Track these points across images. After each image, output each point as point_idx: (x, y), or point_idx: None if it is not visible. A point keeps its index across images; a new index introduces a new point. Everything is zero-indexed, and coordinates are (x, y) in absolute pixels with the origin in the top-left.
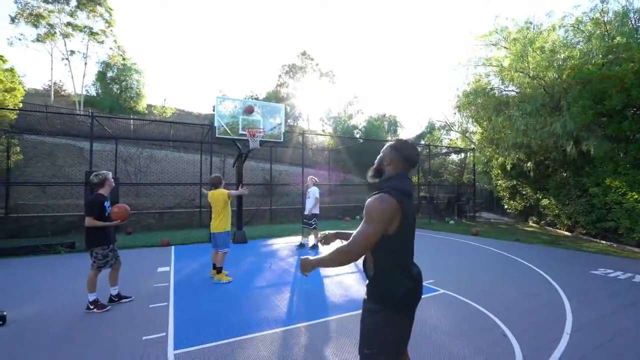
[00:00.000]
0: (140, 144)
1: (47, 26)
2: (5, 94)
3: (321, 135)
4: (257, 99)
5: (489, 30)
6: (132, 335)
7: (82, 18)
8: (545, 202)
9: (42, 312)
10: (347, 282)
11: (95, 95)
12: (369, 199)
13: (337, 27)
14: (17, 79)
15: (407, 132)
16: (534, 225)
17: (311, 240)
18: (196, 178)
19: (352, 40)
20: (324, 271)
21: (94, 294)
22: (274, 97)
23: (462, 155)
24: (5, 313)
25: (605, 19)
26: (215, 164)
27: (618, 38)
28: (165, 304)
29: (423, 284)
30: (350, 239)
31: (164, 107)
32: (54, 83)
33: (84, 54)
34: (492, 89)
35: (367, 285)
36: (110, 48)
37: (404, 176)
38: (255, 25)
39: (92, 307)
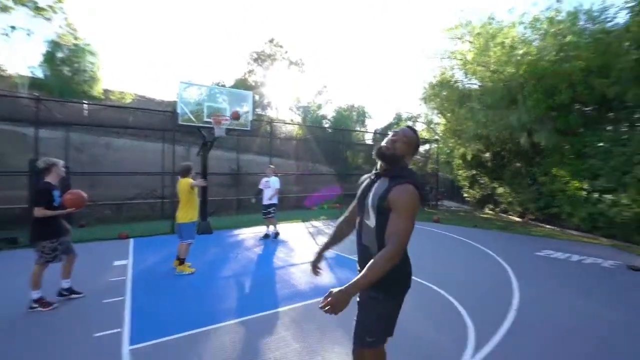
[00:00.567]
0: (96, 131)
1: None
2: None
3: (290, 124)
4: (224, 86)
5: (455, 24)
6: (82, 332)
7: None
8: (500, 190)
9: None
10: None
11: (43, 77)
12: (398, 191)
13: (306, 16)
14: None
15: (375, 123)
16: (490, 212)
17: (271, 229)
18: (158, 167)
19: (322, 30)
20: (291, 259)
21: (39, 291)
22: (242, 85)
23: (427, 146)
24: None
25: (559, 18)
26: (179, 152)
27: (569, 37)
28: (122, 298)
29: None
30: (392, 240)
31: (122, 92)
32: None
33: (27, 30)
34: (456, 81)
35: None
36: (60, 26)
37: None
38: (222, 10)
39: (36, 305)
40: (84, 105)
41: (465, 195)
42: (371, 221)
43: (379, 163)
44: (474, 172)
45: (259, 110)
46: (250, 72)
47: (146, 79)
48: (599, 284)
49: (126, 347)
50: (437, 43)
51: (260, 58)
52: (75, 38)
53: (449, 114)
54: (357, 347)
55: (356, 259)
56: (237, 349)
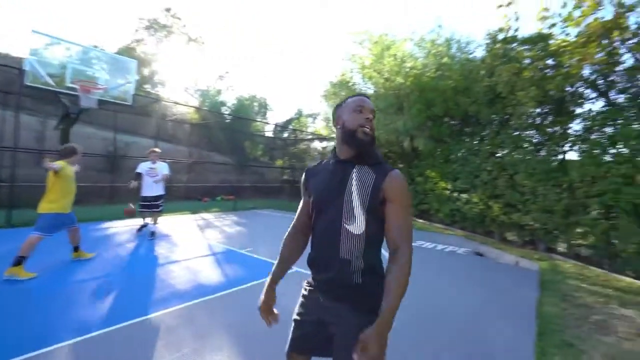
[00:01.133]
0: None
1: None
2: None
3: (183, 105)
4: (103, 50)
5: (358, 30)
6: None
7: None
8: None
9: None
10: (195, 267)
11: None
12: (395, 180)
13: None
14: None
15: (276, 116)
16: None
17: (150, 224)
18: None
19: (228, 14)
20: (172, 255)
21: None
22: (128, 54)
23: (325, 142)
24: None
25: (439, 42)
26: (29, 123)
27: (445, 59)
28: None
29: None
30: (401, 241)
31: None
32: None
33: None
34: (354, 84)
35: (359, 294)
36: None
37: None
38: None
39: None
40: None
41: None
42: (357, 226)
43: (336, 148)
44: None
45: (148, 87)
46: (138, 41)
47: None
48: (456, 267)
49: None
50: (342, 44)
51: (153, 27)
52: None
53: None
54: None
55: (273, 261)
56: None
